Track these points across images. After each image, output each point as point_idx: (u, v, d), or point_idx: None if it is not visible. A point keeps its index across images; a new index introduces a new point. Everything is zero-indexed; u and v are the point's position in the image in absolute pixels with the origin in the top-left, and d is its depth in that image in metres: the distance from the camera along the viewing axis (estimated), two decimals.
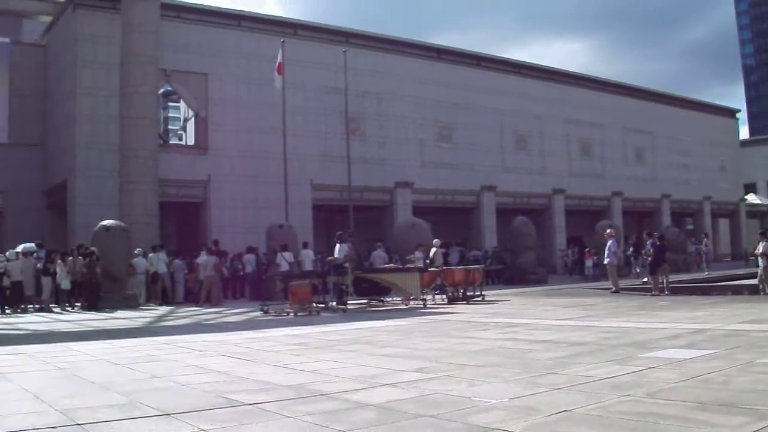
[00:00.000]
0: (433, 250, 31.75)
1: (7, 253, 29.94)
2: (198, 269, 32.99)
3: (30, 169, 45.28)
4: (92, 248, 30.21)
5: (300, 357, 12.56)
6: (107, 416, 7.64)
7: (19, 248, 30.92)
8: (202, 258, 32.70)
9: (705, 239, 52.33)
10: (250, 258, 35.98)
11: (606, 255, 30.17)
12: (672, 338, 13.11)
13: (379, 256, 34.05)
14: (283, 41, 40.02)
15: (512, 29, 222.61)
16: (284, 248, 30.59)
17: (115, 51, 38.44)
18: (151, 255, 32.96)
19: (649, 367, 9.79)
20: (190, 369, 11.38)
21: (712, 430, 6.33)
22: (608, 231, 31.98)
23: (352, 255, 29.43)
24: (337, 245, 29.25)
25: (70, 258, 30.43)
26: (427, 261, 30.86)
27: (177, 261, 34.36)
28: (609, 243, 30.15)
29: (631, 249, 39.94)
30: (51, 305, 29.76)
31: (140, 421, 7.47)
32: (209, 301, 31.26)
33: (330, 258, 28.80)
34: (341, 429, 6.87)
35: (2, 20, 48.67)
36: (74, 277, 29.96)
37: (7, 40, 47.22)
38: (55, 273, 29.87)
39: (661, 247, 28.56)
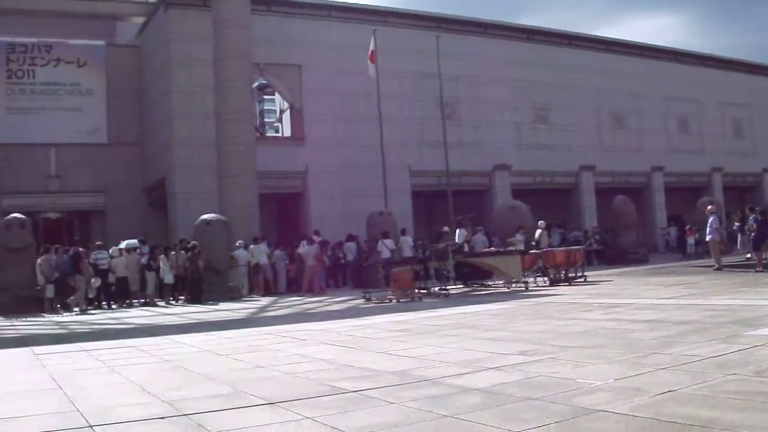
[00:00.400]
0: (539, 231, 31.55)
1: (111, 250, 30.45)
2: (299, 259, 33.19)
3: (130, 167, 46.03)
4: (194, 242, 30.53)
5: (403, 343, 12.52)
6: (212, 406, 7.70)
7: (123, 245, 31.41)
8: (303, 248, 32.85)
9: None
10: (350, 246, 35.99)
11: (708, 232, 29.50)
12: None
13: (479, 239, 33.80)
14: (374, 29, 40.01)
15: (600, 7, 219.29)
16: (385, 235, 30.63)
17: (207, 48, 38.82)
18: (252, 246, 33.21)
19: (756, 345, 9.53)
20: (294, 358, 11.40)
21: None
22: (709, 207, 31.29)
23: (468, 238, 29.65)
24: (458, 230, 29.39)
25: (173, 252, 30.84)
26: (533, 243, 30.67)
27: (278, 251, 34.61)
28: (710, 219, 29.51)
29: (736, 225, 38.94)
30: (155, 299, 30.19)
31: (245, 410, 7.51)
32: (311, 291, 31.37)
33: (435, 244, 28.82)
34: (446, 414, 6.82)
35: (97, 23, 49.35)
36: (177, 271, 30.36)
37: (102, 42, 47.99)
38: (159, 268, 30.28)
39: (764, 222, 27.83)
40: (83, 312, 27.29)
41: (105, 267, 29.68)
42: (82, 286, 28.47)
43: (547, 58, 54.25)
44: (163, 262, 30.20)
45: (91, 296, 29.29)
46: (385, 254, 29.45)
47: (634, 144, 58.96)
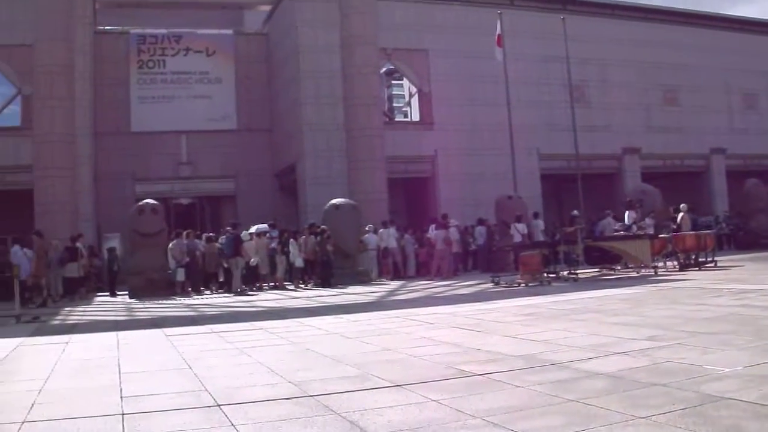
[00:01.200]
0: (681, 215, 31.03)
1: (242, 234, 30.90)
2: (428, 243, 33.18)
3: (260, 153, 46.59)
4: (323, 227, 30.80)
5: (530, 327, 12.49)
6: (338, 388, 7.80)
7: (253, 229, 31.85)
8: (432, 232, 32.83)
9: None
10: (480, 230, 35.80)
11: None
12: None
13: (608, 224, 33.41)
14: (500, 12, 39.75)
15: None
16: (518, 219, 30.53)
17: (334, 34, 39.11)
18: (381, 230, 33.33)
19: None
20: (421, 341, 11.46)
21: None
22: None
23: (637, 220, 29.54)
24: (626, 212, 29.34)
25: (303, 237, 31.14)
26: (674, 226, 30.23)
27: (407, 235, 34.68)
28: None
29: None
30: (285, 283, 30.56)
31: (371, 392, 7.59)
32: (440, 275, 31.37)
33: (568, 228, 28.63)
34: (572, 398, 6.79)
35: (225, 13, 50.24)
36: (307, 255, 30.66)
37: (230, 31, 48.69)
38: (288, 252, 30.63)
39: None
40: (241, 293, 28.16)
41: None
42: (239, 267, 29.37)
43: (675, 38, 53.22)
44: (292, 246, 30.53)
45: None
46: (517, 238, 29.39)
47: (766, 125, 57.50)
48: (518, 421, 6.08)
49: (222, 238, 30.56)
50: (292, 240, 30.75)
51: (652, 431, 5.57)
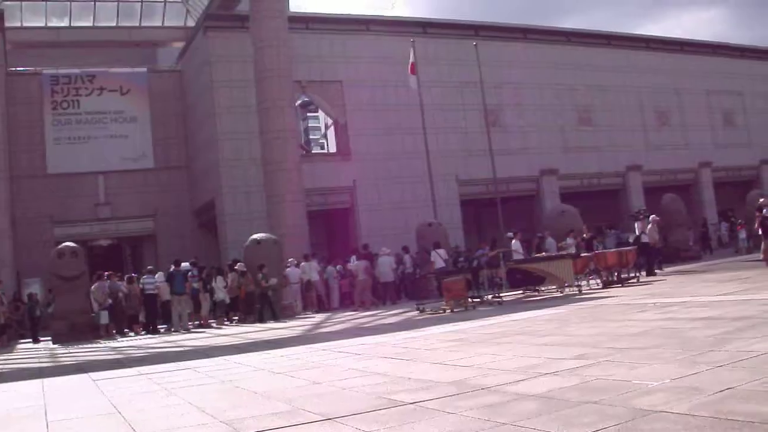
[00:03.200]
0: (649, 226, 31.18)
1: (157, 275, 30.69)
2: (350, 274, 33.16)
3: (178, 191, 46.50)
4: (238, 264, 30.82)
5: (459, 352, 12.51)
6: (270, 424, 7.73)
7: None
8: (353, 263, 32.83)
9: None
10: (407, 258, 35.84)
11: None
12: None
13: (551, 244, 33.49)
14: (413, 41, 40.06)
15: (639, 4, 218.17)
16: (437, 246, 30.64)
17: (248, 68, 39.12)
18: (303, 264, 33.25)
19: None
20: (350, 373, 11.43)
21: None
22: (761, 201, 30.91)
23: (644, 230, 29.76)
24: (636, 224, 30.55)
25: (229, 274, 30.95)
26: (643, 233, 30.45)
27: (330, 267, 34.67)
28: (764, 212, 29.09)
29: None
30: (209, 320, 30.39)
31: (303, 427, 7.52)
32: (364, 305, 31.34)
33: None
34: (504, 421, 6.81)
35: (137, 51, 50.15)
36: (231, 293, 30.49)
37: (144, 69, 48.52)
38: (212, 289, 30.50)
39: None
40: (186, 331, 28.10)
41: (153, 292, 29.95)
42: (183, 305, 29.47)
43: (587, 59, 54.21)
44: (217, 283, 30.37)
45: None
46: (438, 264, 29.51)
47: (679, 141, 58.55)
48: None
49: (155, 276, 30.38)
50: (219, 277, 30.60)
51: None
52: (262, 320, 29.08)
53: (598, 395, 7.47)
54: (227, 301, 30.44)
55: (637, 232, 30.72)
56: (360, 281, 31.88)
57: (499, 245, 33.67)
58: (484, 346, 13.07)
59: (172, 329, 28.77)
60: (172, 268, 30.24)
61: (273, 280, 30.10)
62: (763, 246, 28.27)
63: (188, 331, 28.02)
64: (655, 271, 29.64)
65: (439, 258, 30.00)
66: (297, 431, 7.33)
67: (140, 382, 12.97)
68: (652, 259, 29.25)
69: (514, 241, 31.95)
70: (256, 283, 29.97)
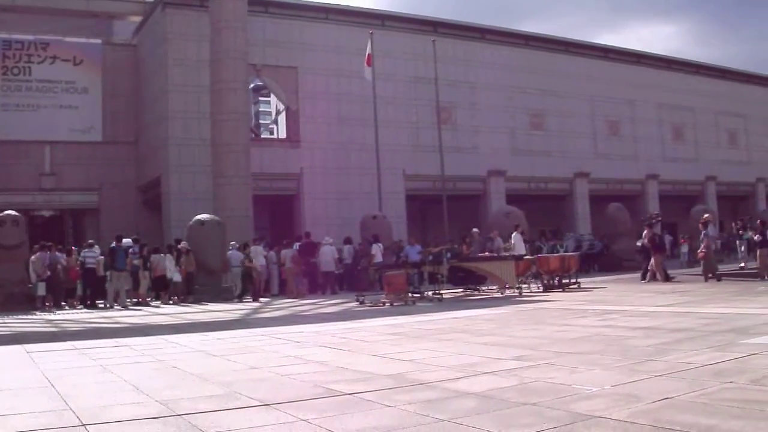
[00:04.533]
0: (645, 231, 30.80)
1: (95, 249, 30.38)
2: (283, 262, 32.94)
3: (124, 166, 46.12)
4: (181, 243, 30.64)
5: (398, 347, 12.50)
6: (207, 407, 7.66)
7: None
8: (283, 251, 32.59)
9: None
10: (348, 249, 35.70)
11: (700, 240, 29.38)
12: None
13: (499, 243, 33.40)
14: (371, 32, 40.06)
15: (603, 13, 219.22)
16: (376, 239, 30.62)
17: (204, 48, 38.84)
18: (253, 248, 32.97)
19: (752, 354, 9.54)
20: (288, 360, 11.38)
21: None
22: (705, 216, 31.25)
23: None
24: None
25: (169, 255, 30.70)
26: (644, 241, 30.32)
27: (272, 253, 34.49)
28: (707, 229, 29.42)
29: (741, 232, 38.25)
30: (147, 299, 30.14)
31: (240, 411, 7.47)
32: (289, 293, 31.18)
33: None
34: (443, 418, 6.79)
35: (94, 22, 49.47)
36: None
37: (98, 41, 48.03)
38: (146, 267, 30.26)
39: (762, 232, 28.07)
40: (124, 308, 27.73)
41: (93, 266, 29.54)
42: (121, 281, 28.93)
43: (544, 64, 54.53)
44: (169, 262, 30.10)
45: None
46: (378, 258, 29.50)
47: (628, 151, 59.19)
48: None
49: (88, 251, 30.01)
50: (169, 255, 30.31)
51: None
52: (242, 297, 29.66)
53: (537, 397, 7.48)
54: (179, 279, 30.12)
55: (644, 238, 30.62)
56: (286, 269, 31.73)
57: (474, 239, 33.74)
58: (424, 342, 13.08)
59: (107, 305, 28.46)
60: (114, 243, 29.86)
61: (258, 261, 30.11)
62: (653, 261, 28.92)
63: (126, 308, 27.72)
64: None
65: (379, 251, 30.00)
66: (233, 415, 7.26)
67: (75, 356, 12.84)
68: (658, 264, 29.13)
69: (515, 234, 31.79)
70: (242, 262, 30.12)
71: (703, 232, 29.82)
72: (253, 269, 30.69)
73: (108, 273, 29.12)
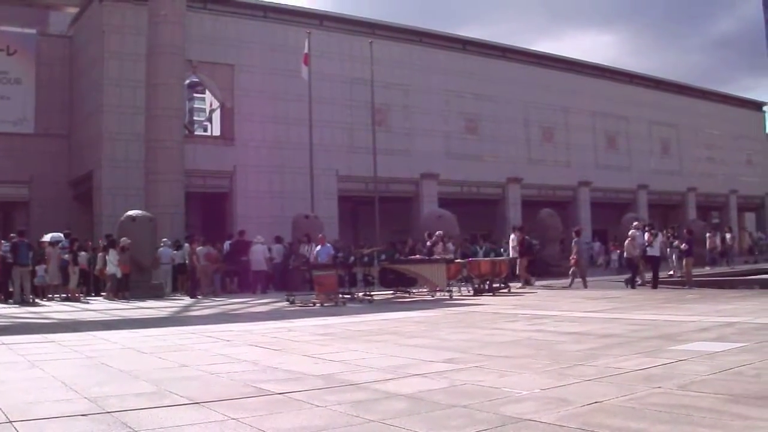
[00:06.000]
0: (659, 239, 30.33)
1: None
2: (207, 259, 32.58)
3: (56, 159, 45.56)
4: (122, 239, 30.37)
5: (328, 347, 12.56)
6: (137, 404, 7.67)
7: (48, 237, 31.07)
8: (198, 248, 32.19)
9: (728, 233, 50.76)
10: (278, 248, 35.58)
11: (633, 247, 29.66)
12: (701, 331, 13.01)
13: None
14: (309, 32, 40.04)
15: (541, 21, 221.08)
16: (308, 239, 30.59)
17: (141, 42, 38.59)
18: (186, 245, 32.69)
19: (680, 360, 9.73)
20: (219, 358, 11.40)
21: (746, 422, 6.28)
22: (634, 224, 31.62)
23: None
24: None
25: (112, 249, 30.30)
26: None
27: (200, 249, 34.23)
28: (635, 234, 29.71)
29: (674, 241, 38.47)
30: (77, 294, 29.85)
31: (170, 409, 7.48)
32: (201, 292, 31.02)
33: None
34: (373, 418, 6.86)
35: (29, 12, 48.88)
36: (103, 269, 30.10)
37: (33, 31, 47.49)
38: (76, 262, 29.96)
39: (689, 240, 28.65)
40: (32, 303, 27.45)
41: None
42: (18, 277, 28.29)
43: (480, 69, 54.81)
44: (111, 256, 29.78)
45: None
46: (311, 258, 29.51)
47: (562, 158, 59.65)
48: None
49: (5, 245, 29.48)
50: (112, 250, 29.95)
51: None
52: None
53: (467, 399, 7.58)
54: (118, 275, 29.77)
55: (513, 242, 31.14)
56: (201, 267, 31.49)
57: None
58: (354, 343, 13.15)
59: (34, 300, 28.10)
60: (16, 238, 29.20)
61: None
62: (518, 264, 29.60)
63: (30, 303, 27.30)
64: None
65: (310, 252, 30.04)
66: (163, 413, 7.27)
67: (2, 352, 12.71)
68: (657, 271, 29.06)
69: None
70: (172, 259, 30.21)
71: (574, 240, 30.68)
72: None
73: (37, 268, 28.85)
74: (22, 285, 28.10)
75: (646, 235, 29.13)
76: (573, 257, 30.84)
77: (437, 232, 32.66)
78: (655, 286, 27.72)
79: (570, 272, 31.00)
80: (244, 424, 6.73)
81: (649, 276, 28.79)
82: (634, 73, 70.36)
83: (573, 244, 31.35)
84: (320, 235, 30.48)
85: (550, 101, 58.53)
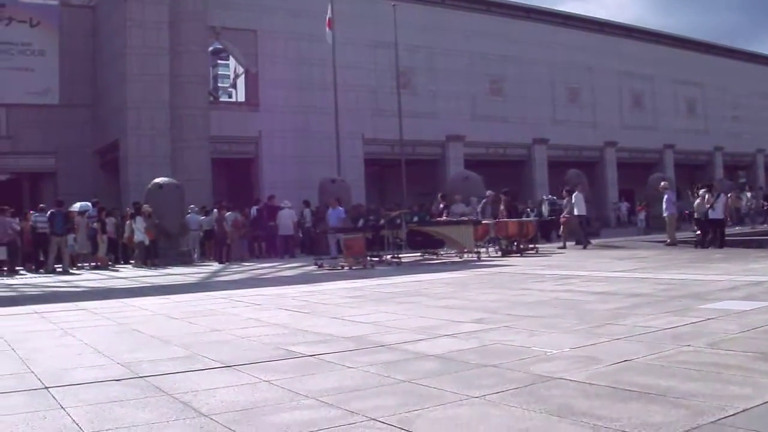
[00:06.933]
0: (722, 201, 29.68)
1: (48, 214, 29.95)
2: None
3: (82, 129, 45.60)
4: (144, 206, 30.40)
5: (358, 309, 12.56)
6: (169, 369, 7.70)
7: (77, 207, 31.17)
8: (228, 213, 32.22)
9: (748, 192, 50.24)
10: (308, 212, 35.52)
11: (665, 207, 29.48)
12: (729, 290, 12.89)
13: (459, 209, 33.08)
14: None
15: None
16: (339, 202, 30.58)
17: (164, 9, 38.60)
18: (214, 211, 32.69)
19: (709, 318, 9.65)
20: (249, 322, 11.43)
21: None
22: (662, 184, 31.38)
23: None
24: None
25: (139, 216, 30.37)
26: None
27: (228, 214, 34.27)
28: (666, 195, 29.55)
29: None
30: (108, 263, 30.00)
31: (202, 373, 7.50)
32: (230, 257, 31.10)
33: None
34: (404, 379, 6.85)
35: None
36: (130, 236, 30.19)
37: (56, 2, 47.41)
38: (105, 230, 30.11)
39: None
40: (65, 272, 27.40)
41: (45, 230, 28.92)
42: (68, 245, 28.72)
43: (504, 30, 54.51)
44: (138, 224, 29.83)
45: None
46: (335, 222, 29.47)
47: (587, 118, 59.38)
48: (352, 401, 6.11)
49: (39, 215, 29.57)
50: (138, 218, 29.99)
51: (486, 410, 5.67)
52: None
53: (498, 359, 7.55)
54: (146, 242, 29.88)
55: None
56: (228, 232, 31.53)
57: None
58: (383, 305, 13.14)
59: (64, 269, 28.26)
60: (54, 208, 29.44)
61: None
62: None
63: (67, 272, 27.47)
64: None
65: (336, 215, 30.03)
66: (196, 376, 7.29)
67: (35, 320, 12.79)
68: (721, 233, 28.35)
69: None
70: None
71: (566, 199, 30.51)
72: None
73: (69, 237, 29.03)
74: (60, 254, 28.35)
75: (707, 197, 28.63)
76: (564, 216, 30.66)
77: (488, 192, 32.68)
78: (721, 246, 27.12)
79: (560, 232, 30.87)
80: (276, 386, 6.74)
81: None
82: (660, 32, 69.80)
83: (564, 203, 31.22)
84: (333, 199, 30.47)
85: (575, 61, 58.16)
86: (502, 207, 31.63)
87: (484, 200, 32.78)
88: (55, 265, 28.52)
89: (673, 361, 7.09)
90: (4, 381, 7.34)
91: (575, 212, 30.01)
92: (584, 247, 28.65)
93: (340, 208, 29.50)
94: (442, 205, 32.21)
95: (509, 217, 30.46)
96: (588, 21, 62.48)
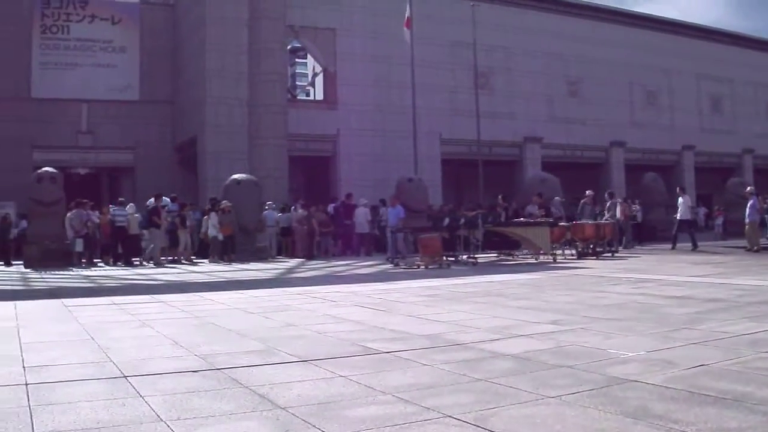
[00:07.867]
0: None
1: (127, 207, 30.26)
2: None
3: (161, 125, 46.10)
4: (223, 202, 30.59)
5: (433, 308, 12.55)
6: (245, 362, 7.77)
7: (151, 202, 31.50)
8: (296, 212, 32.35)
9: None
10: (383, 211, 35.27)
11: (747, 213, 29.07)
12: None
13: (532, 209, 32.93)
14: None
15: None
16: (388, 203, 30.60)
17: (243, 7, 38.80)
18: (296, 207, 32.84)
19: None
20: (325, 318, 11.47)
21: None
22: (748, 189, 31.02)
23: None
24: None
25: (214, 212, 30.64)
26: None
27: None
28: (751, 201, 29.17)
29: None
30: (191, 257, 30.27)
31: (278, 366, 7.55)
32: (295, 255, 31.32)
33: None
34: (479, 377, 6.85)
35: None
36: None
37: (137, 0, 47.93)
38: (188, 226, 30.36)
39: None
40: (158, 265, 27.82)
41: (123, 224, 29.39)
42: (157, 239, 29.09)
43: (582, 31, 54.13)
44: (212, 219, 30.10)
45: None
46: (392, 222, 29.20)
47: (665, 121, 58.72)
48: (428, 398, 6.10)
49: (118, 209, 29.99)
50: (213, 214, 30.25)
51: (562, 410, 5.64)
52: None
53: (573, 360, 7.53)
54: (220, 238, 30.06)
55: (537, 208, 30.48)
56: (296, 229, 31.64)
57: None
58: (459, 304, 13.12)
59: (142, 262, 28.66)
60: (153, 201, 29.94)
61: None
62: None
63: (160, 265, 27.87)
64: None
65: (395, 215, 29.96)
66: (272, 370, 7.34)
67: (113, 311, 12.98)
68: None
69: (682, 199, 31.35)
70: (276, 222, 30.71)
71: (609, 202, 30.31)
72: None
73: (145, 231, 29.33)
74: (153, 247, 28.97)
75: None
76: (622, 215, 30.54)
77: (587, 192, 32.59)
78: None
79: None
80: (353, 381, 6.76)
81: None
82: (739, 35, 68.70)
83: (608, 205, 31.13)
84: (392, 197, 30.41)
85: (653, 64, 57.44)
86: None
87: (583, 200, 32.58)
88: (163, 258, 29.25)
89: (750, 367, 6.99)
90: (84, 369, 7.47)
91: (678, 216, 29.86)
92: (693, 249, 28.50)
93: (400, 207, 29.44)
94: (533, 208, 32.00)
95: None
96: (666, 23, 61.68)
